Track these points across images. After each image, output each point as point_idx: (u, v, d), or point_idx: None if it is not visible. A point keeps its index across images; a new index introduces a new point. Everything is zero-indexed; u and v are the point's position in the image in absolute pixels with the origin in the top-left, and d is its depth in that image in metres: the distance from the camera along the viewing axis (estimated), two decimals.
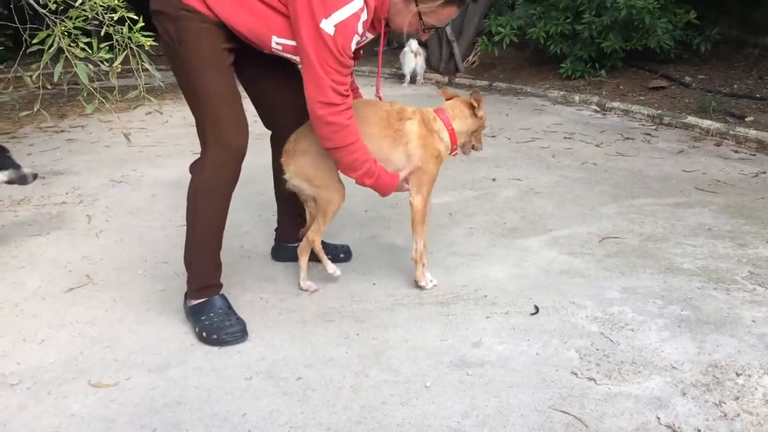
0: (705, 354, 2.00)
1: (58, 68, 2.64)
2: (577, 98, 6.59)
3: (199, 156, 2.17)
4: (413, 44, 7.88)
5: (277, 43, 2.05)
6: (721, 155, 4.56)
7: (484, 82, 7.77)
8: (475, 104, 2.39)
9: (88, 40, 2.75)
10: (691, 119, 5.37)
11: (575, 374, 1.91)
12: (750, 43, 7.42)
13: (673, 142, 4.97)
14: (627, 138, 5.09)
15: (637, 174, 4.07)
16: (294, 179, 2.32)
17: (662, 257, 2.75)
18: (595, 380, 1.87)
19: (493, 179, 3.98)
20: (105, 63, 2.77)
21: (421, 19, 2.12)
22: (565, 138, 5.10)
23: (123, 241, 3.02)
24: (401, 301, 2.38)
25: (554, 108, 6.45)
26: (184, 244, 2.23)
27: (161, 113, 4.66)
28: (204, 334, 2.11)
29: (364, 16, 1.98)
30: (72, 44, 2.72)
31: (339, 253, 2.76)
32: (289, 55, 2.11)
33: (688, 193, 3.66)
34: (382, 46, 2.31)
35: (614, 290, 2.45)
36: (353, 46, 2.01)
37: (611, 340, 2.09)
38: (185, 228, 2.21)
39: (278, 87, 2.41)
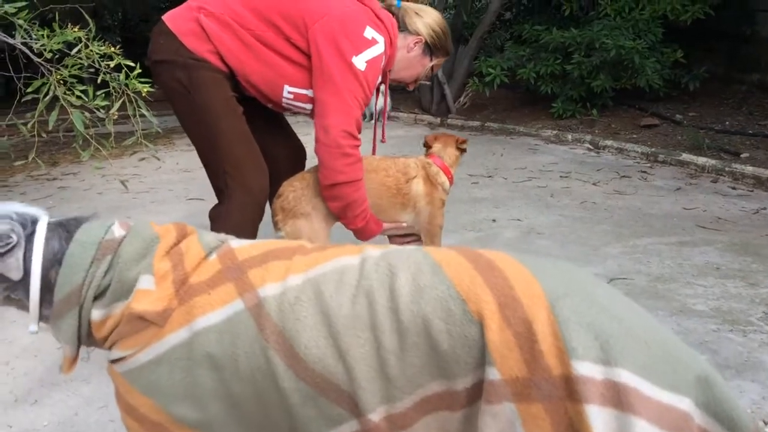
0: None
1: (53, 116, 2.59)
2: (570, 137, 6.61)
3: (218, 203, 2.14)
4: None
5: (289, 92, 2.08)
6: (719, 192, 4.56)
7: (476, 123, 7.79)
8: (462, 146, 2.51)
9: (83, 88, 2.71)
10: (686, 156, 5.39)
11: None
12: (737, 79, 7.54)
13: (669, 179, 4.97)
14: (623, 176, 5.09)
15: (637, 212, 4.04)
16: (287, 239, 2.25)
17: (673, 299, 2.69)
18: None
19: (493, 220, 3.93)
20: (101, 110, 2.73)
21: (432, 69, 2.27)
22: (561, 177, 5.09)
23: None
24: None
25: (548, 147, 6.46)
26: None
27: (158, 158, 4.60)
28: None
29: (382, 61, 2.04)
30: (68, 92, 2.68)
31: None
32: (299, 104, 2.12)
33: (691, 232, 3.62)
34: (386, 97, 2.34)
35: None
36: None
37: None
38: None
39: (268, 131, 2.43)
